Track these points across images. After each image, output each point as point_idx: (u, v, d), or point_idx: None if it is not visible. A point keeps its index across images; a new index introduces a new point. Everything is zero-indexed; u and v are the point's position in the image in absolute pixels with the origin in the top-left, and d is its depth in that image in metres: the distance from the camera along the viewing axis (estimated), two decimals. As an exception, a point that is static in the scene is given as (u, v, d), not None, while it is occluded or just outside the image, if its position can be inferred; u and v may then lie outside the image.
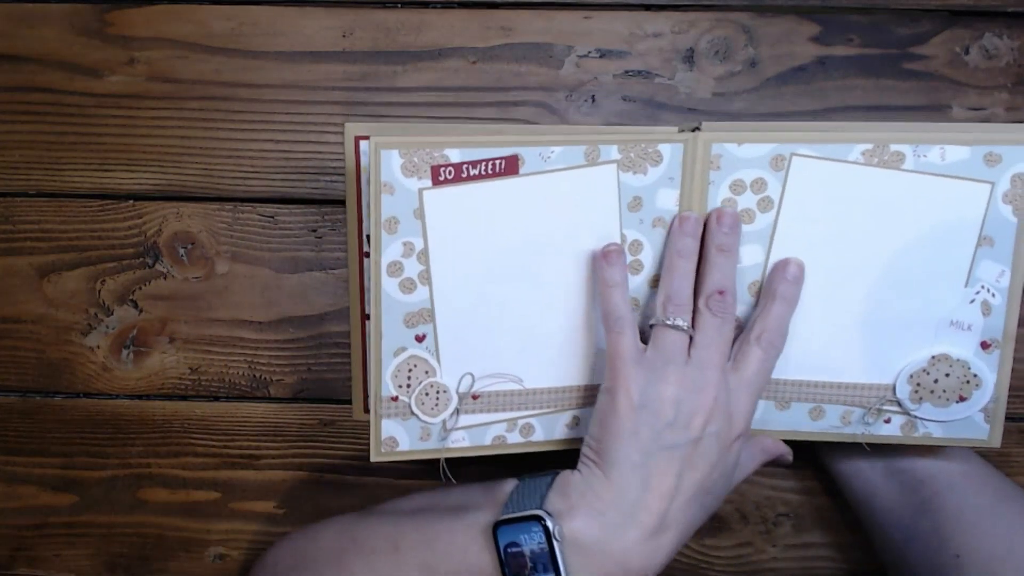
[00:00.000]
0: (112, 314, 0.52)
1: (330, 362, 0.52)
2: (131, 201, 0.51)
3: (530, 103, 0.49)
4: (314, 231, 0.51)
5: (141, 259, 0.51)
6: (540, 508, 0.39)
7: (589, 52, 0.49)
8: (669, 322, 0.41)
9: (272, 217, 0.51)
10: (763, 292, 0.43)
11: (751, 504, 0.52)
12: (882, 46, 0.48)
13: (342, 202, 0.50)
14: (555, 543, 0.38)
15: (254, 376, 0.52)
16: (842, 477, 0.49)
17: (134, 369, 0.52)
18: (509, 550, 0.38)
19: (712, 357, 0.40)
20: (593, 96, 0.49)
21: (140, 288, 0.51)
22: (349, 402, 0.52)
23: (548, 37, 0.49)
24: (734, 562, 0.52)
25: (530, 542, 0.38)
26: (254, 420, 0.52)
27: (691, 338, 0.40)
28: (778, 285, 0.42)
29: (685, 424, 0.39)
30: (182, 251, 0.51)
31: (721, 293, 0.41)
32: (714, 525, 0.52)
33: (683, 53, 0.49)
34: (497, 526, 0.39)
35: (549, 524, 0.38)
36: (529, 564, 0.38)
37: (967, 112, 0.48)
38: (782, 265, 0.42)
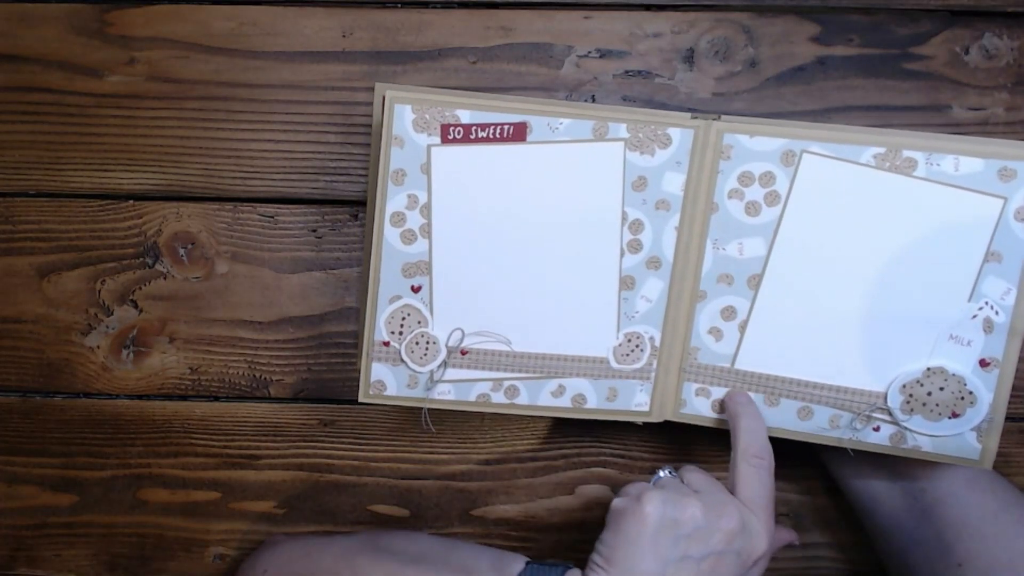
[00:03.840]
0: (112, 314, 0.52)
1: (330, 362, 0.52)
2: (131, 201, 0.51)
3: (530, 103, 0.49)
4: (314, 231, 0.51)
5: (141, 259, 0.51)
6: None
7: (589, 52, 0.49)
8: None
9: (272, 217, 0.51)
10: (728, 416, 0.44)
11: (751, 504, 0.52)
12: (882, 46, 0.48)
13: (342, 202, 0.50)
14: None
15: (254, 376, 0.52)
16: (845, 483, 0.49)
17: (134, 369, 0.52)
18: None
19: (722, 488, 0.41)
20: (593, 96, 0.49)
21: (140, 288, 0.51)
22: (349, 402, 0.52)
23: (548, 37, 0.49)
24: (734, 562, 0.52)
25: None
26: (254, 420, 0.52)
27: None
28: (734, 407, 0.44)
29: (707, 537, 0.38)
30: (182, 251, 0.51)
31: (760, 458, 0.42)
32: (714, 525, 0.52)
33: (683, 53, 0.49)
34: None
35: None
36: None
37: (967, 112, 0.48)
38: (728, 396, 0.45)
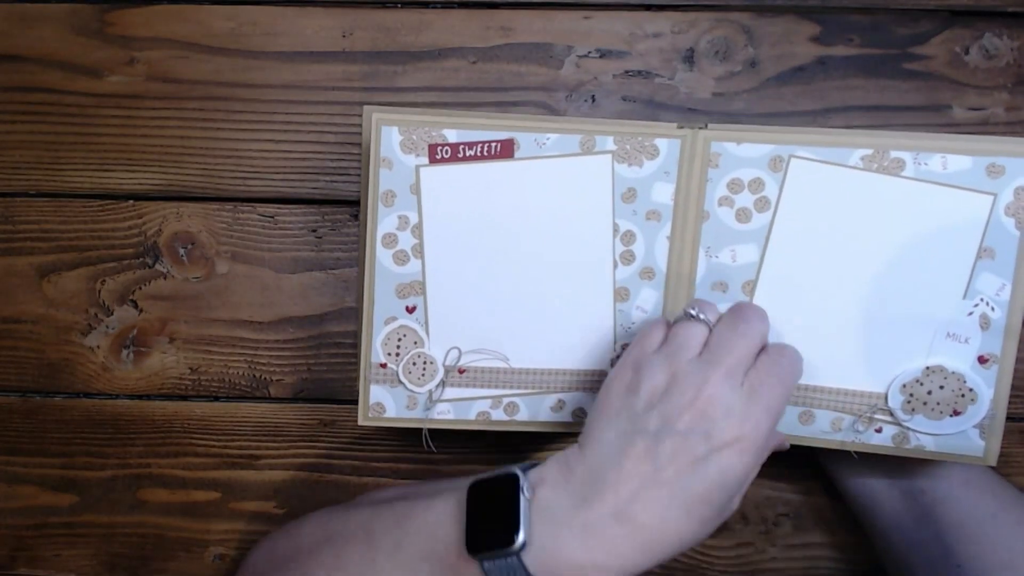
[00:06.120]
0: (112, 314, 0.52)
1: (330, 362, 0.52)
2: (131, 201, 0.51)
3: (530, 103, 0.49)
4: (314, 231, 0.51)
5: (141, 259, 0.51)
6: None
7: (589, 52, 0.49)
8: (691, 311, 0.39)
9: (272, 217, 0.51)
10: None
11: (751, 504, 0.52)
12: (882, 46, 0.48)
13: (342, 202, 0.50)
14: (521, 495, 0.36)
15: (254, 376, 0.52)
16: (844, 484, 0.49)
17: (134, 369, 0.52)
18: (477, 511, 0.37)
19: (723, 358, 0.37)
20: (593, 96, 0.49)
21: (140, 288, 0.51)
22: (349, 402, 0.52)
23: (548, 37, 0.49)
24: (734, 562, 0.52)
25: (500, 500, 0.37)
26: (254, 420, 0.52)
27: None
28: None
29: (669, 415, 0.36)
30: (182, 251, 0.51)
31: (752, 308, 0.39)
32: (714, 525, 0.52)
33: (683, 53, 0.49)
34: (472, 487, 0.38)
35: (521, 479, 0.37)
36: (495, 523, 0.36)
37: (967, 112, 0.48)
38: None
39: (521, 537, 0.35)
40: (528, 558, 0.35)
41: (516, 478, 0.37)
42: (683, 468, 0.36)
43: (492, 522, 0.36)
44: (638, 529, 0.35)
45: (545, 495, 0.37)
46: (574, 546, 0.35)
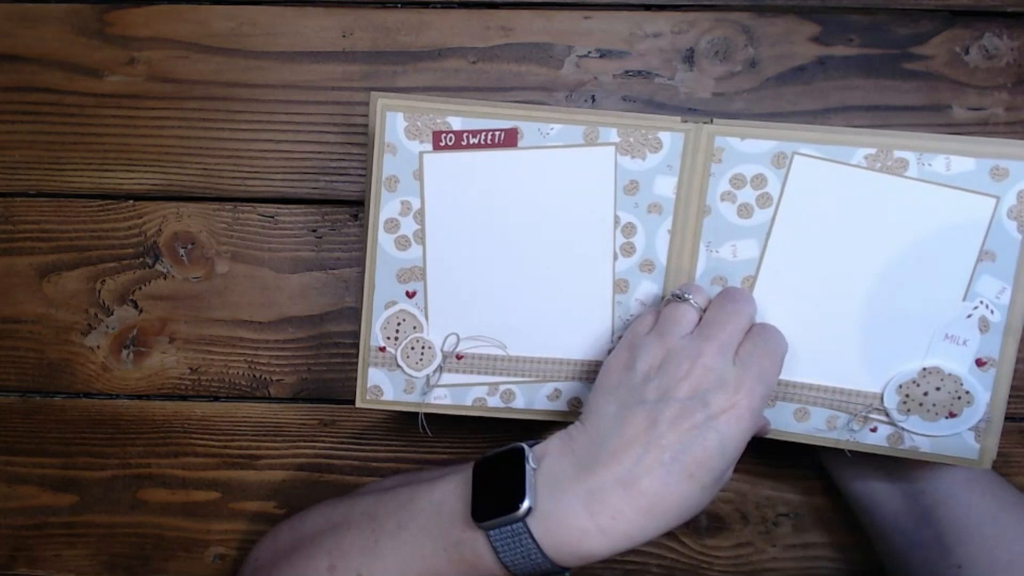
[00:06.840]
0: (112, 314, 0.52)
1: (330, 362, 0.52)
2: (131, 201, 0.51)
3: (530, 103, 0.49)
4: (314, 231, 0.51)
5: (141, 259, 0.51)
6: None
7: (589, 52, 0.49)
8: (678, 292, 0.41)
9: (272, 217, 0.51)
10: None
11: (751, 504, 0.52)
12: (882, 46, 0.48)
13: (342, 202, 0.50)
14: (527, 465, 0.37)
15: (254, 376, 0.52)
16: (844, 484, 0.49)
17: (134, 369, 0.52)
18: (483, 484, 0.38)
19: (716, 334, 0.38)
20: (593, 96, 0.49)
21: (140, 288, 0.51)
22: (349, 402, 0.52)
23: (548, 37, 0.49)
24: (734, 562, 0.52)
25: (506, 473, 0.38)
26: (254, 420, 0.52)
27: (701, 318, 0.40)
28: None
29: (667, 385, 0.37)
30: (182, 251, 0.51)
31: (740, 291, 0.42)
32: (714, 525, 0.52)
33: (683, 53, 0.49)
34: (478, 464, 0.39)
35: (527, 452, 0.38)
36: (500, 493, 0.37)
37: (967, 112, 0.48)
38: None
39: (527, 503, 0.36)
40: (533, 524, 0.36)
41: (522, 451, 0.38)
42: (684, 433, 0.36)
43: (498, 493, 0.37)
44: (641, 494, 0.36)
45: (549, 465, 0.38)
46: (578, 511, 0.36)
